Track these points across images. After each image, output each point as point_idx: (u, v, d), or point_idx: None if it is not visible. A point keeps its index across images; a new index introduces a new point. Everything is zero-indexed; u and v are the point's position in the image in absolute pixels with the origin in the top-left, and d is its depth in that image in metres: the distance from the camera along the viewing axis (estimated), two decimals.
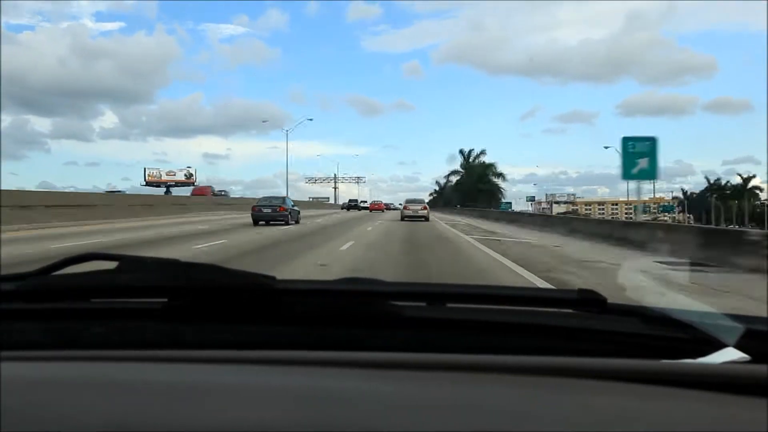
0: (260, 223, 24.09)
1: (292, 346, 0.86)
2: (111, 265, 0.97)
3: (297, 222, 26.18)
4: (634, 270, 6.89)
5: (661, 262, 9.24)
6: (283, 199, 27.39)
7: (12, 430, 0.56)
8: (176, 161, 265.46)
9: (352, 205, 70.23)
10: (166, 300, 0.95)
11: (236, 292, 0.96)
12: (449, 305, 1.00)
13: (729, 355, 0.82)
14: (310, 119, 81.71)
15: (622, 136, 18.15)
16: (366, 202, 75.75)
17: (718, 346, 0.83)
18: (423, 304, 0.99)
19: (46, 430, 0.57)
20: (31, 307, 0.99)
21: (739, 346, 0.82)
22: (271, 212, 24.83)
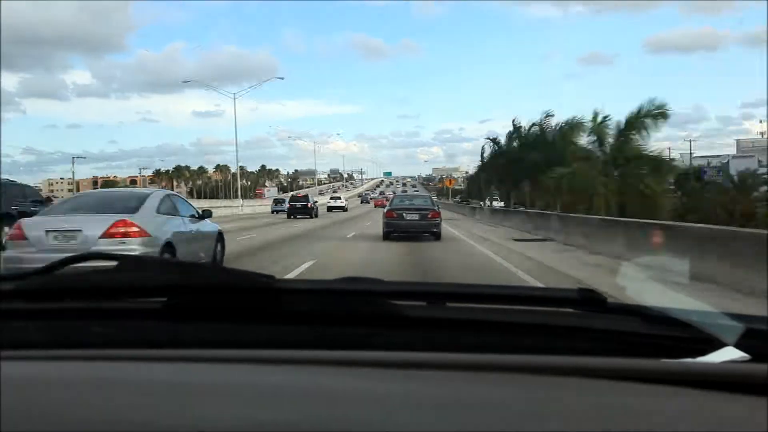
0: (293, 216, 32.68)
1: (292, 345, 0.86)
2: (111, 264, 0.97)
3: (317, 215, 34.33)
4: (635, 269, 6.88)
5: None
6: (307, 196, 37.87)
7: (12, 430, 0.56)
8: (164, 121, 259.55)
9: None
10: (165, 299, 0.95)
11: (236, 292, 0.96)
12: (449, 305, 1.00)
13: (729, 354, 0.82)
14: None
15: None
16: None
17: (717, 345, 0.83)
18: (423, 303, 0.99)
19: (46, 430, 0.57)
20: (31, 306, 0.99)
21: (738, 346, 0.82)
22: (301, 207, 33.74)
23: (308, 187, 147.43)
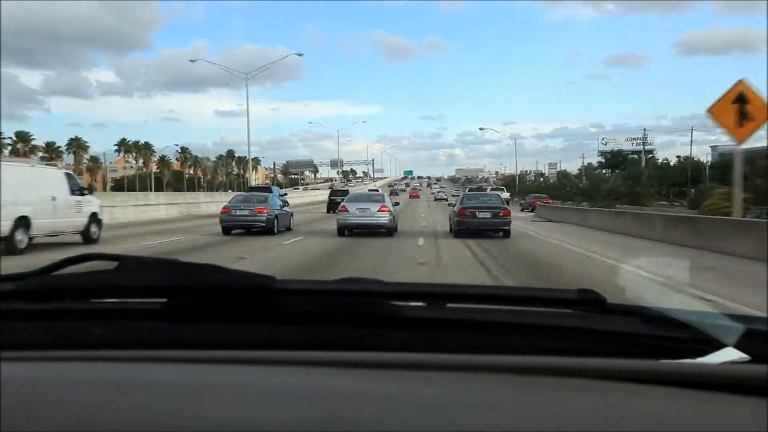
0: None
1: (292, 346, 0.86)
2: (111, 265, 0.97)
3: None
4: (634, 269, 6.88)
5: None
6: (347, 191, 35.76)
7: (12, 430, 0.56)
8: (187, 119, 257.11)
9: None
10: (165, 300, 0.95)
11: (236, 292, 0.96)
12: (449, 305, 1.00)
13: (729, 355, 0.82)
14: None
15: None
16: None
17: (717, 346, 0.83)
18: (423, 304, 0.99)
19: (46, 430, 0.57)
20: (31, 307, 0.99)
21: (738, 346, 0.82)
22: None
23: (307, 183, 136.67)
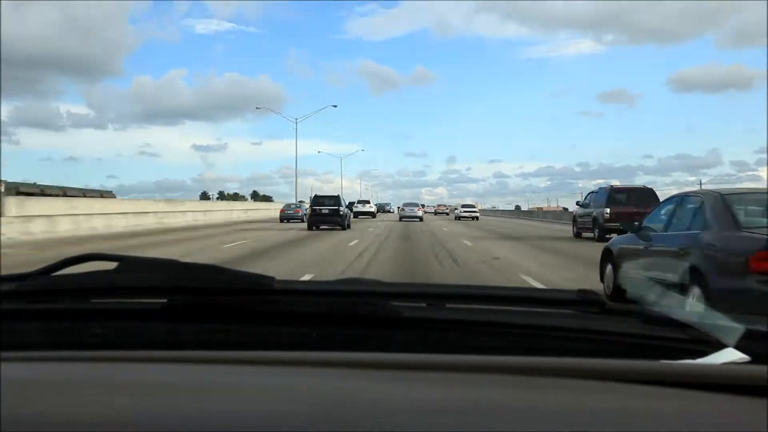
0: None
1: (292, 346, 0.86)
2: (111, 265, 0.97)
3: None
4: (634, 270, 6.88)
5: None
6: (338, 197, 30.25)
7: (12, 430, 0.56)
8: (164, 154, 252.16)
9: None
10: (165, 300, 0.95)
11: (236, 293, 0.96)
12: (449, 306, 1.00)
13: (728, 355, 0.82)
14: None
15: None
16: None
17: (717, 346, 0.83)
18: (422, 304, 0.99)
19: (46, 430, 0.57)
20: (31, 307, 0.99)
21: (738, 347, 0.82)
22: (329, 214, 27.05)
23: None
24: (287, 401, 0.65)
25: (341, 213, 26.24)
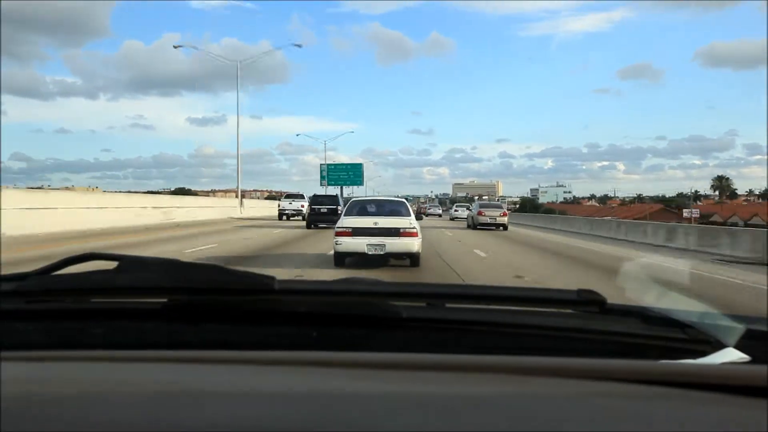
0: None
1: (292, 346, 0.86)
2: (111, 265, 0.97)
3: None
4: (635, 269, 6.87)
5: None
6: (337, 197, 29.93)
7: (12, 430, 0.56)
8: (158, 125, 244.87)
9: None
10: (165, 300, 0.95)
11: (236, 293, 0.96)
12: (448, 305, 1.00)
13: (729, 355, 0.82)
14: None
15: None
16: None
17: (718, 346, 0.83)
18: (422, 304, 0.99)
19: (46, 430, 0.57)
20: (31, 307, 0.99)
21: (739, 347, 0.82)
22: (328, 213, 26.25)
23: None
24: (288, 401, 0.65)
25: (339, 212, 26.41)
